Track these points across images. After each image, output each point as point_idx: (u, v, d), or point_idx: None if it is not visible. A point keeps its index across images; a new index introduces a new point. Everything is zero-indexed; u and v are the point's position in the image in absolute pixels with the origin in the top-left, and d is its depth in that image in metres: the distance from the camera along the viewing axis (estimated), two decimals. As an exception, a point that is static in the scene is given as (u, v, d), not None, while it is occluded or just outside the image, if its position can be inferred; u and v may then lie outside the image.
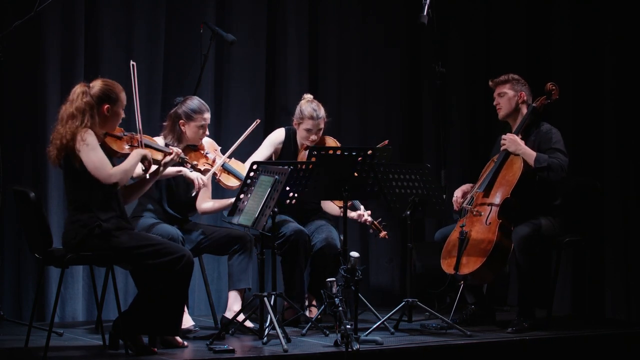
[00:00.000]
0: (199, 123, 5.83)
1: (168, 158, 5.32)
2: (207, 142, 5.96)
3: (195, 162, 5.69)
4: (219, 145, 6.09)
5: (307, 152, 6.17)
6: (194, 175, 5.74)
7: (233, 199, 5.73)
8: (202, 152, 5.88)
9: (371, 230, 6.15)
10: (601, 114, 7.11)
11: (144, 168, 5.18)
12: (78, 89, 5.17)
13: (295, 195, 5.65)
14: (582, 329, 6.06)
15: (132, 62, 5.27)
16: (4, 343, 5.53)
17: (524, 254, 5.84)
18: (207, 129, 5.88)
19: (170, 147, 5.48)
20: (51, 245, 5.29)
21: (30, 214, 5.31)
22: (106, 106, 5.16)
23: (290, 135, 6.33)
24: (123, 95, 5.24)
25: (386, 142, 6.14)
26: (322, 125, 6.23)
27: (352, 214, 6.11)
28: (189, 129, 5.82)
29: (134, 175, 5.33)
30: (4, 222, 6.24)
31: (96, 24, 6.64)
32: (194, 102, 5.87)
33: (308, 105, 6.22)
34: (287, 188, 5.56)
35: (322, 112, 6.22)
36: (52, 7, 6.16)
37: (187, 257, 5.13)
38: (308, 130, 6.20)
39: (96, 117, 5.12)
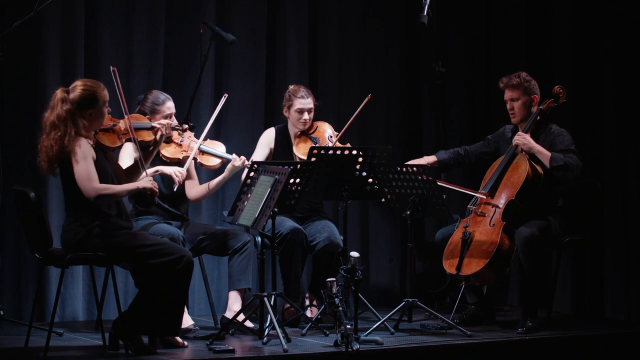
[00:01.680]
0: (164, 114, 5.85)
1: (159, 135, 5.38)
2: None
3: (185, 125, 5.78)
4: (219, 142, 6.10)
5: (301, 137, 6.21)
6: (170, 170, 5.76)
7: (220, 177, 5.92)
8: (177, 140, 5.90)
9: (383, 199, 6.02)
10: (601, 114, 7.11)
11: (150, 192, 5.20)
12: (57, 94, 5.11)
13: (296, 195, 5.67)
14: (582, 329, 6.06)
15: (112, 68, 5.26)
16: (4, 343, 5.53)
17: (527, 255, 5.83)
18: (174, 118, 5.90)
19: (155, 122, 5.50)
20: (51, 245, 5.28)
21: (30, 214, 5.30)
22: (89, 111, 5.12)
23: (281, 132, 6.34)
24: (104, 93, 5.17)
25: (369, 96, 6.19)
26: (312, 105, 6.26)
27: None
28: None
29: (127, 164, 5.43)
30: (4, 222, 6.24)
31: (96, 24, 6.63)
32: (155, 95, 5.91)
33: (295, 88, 6.30)
34: (288, 187, 5.57)
35: (310, 93, 6.28)
36: (52, 7, 6.17)
37: (187, 257, 5.13)
38: (300, 111, 6.22)
39: (80, 123, 5.08)
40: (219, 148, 5.96)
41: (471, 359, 5.50)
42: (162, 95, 5.90)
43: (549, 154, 5.94)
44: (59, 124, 5.05)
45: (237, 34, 6.82)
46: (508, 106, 6.15)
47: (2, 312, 5.93)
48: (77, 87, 5.14)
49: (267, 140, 6.36)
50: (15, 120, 6.28)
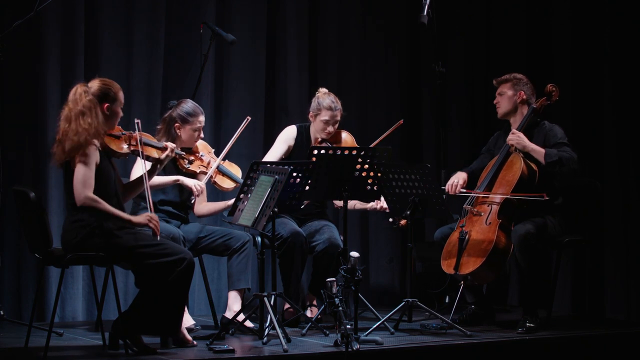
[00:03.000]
0: (194, 126, 5.84)
1: (163, 155, 5.33)
2: (201, 145, 5.97)
3: (192, 158, 5.74)
4: (217, 146, 6.10)
5: (322, 144, 6.21)
6: (191, 182, 5.77)
7: (229, 202, 5.82)
8: (197, 154, 5.89)
9: (391, 219, 6.11)
10: (601, 113, 7.11)
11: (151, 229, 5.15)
12: (78, 89, 5.15)
13: (297, 195, 5.66)
14: (582, 329, 6.06)
15: (136, 120, 5.24)
16: (4, 343, 5.53)
17: (524, 254, 5.84)
18: (203, 132, 5.90)
19: (164, 142, 5.48)
20: (51, 245, 5.29)
21: (30, 214, 5.31)
22: (106, 105, 5.15)
23: (303, 132, 6.33)
24: (121, 94, 5.23)
25: (401, 121, 6.23)
26: (339, 117, 6.23)
27: (368, 204, 6.18)
28: (184, 132, 5.84)
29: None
30: (4, 222, 6.24)
31: (96, 24, 6.64)
32: (189, 105, 5.89)
33: (326, 97, 6.24)
34: (289, 188, 5.57)
35: (339, 104, 6.24)
36: (52, 7, 6.17)
37: (188, 259, 5.12)
38: (325, 122, 6.20)
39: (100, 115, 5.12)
40: (236, 172, 5.96)
41: (471, 359, 5.50)
42: (196, 107, 5.89)
43: (542, 150, 5.96)
44: (86, 112, 5.06)
45: (237, 34, 6.83)
46: (495, 101, 6.20)
47: (2, 312, 5.93)
48: (96, 82, 5.19)
49: (287, 137, 6.33)
50: (15, 120, 6.28)
